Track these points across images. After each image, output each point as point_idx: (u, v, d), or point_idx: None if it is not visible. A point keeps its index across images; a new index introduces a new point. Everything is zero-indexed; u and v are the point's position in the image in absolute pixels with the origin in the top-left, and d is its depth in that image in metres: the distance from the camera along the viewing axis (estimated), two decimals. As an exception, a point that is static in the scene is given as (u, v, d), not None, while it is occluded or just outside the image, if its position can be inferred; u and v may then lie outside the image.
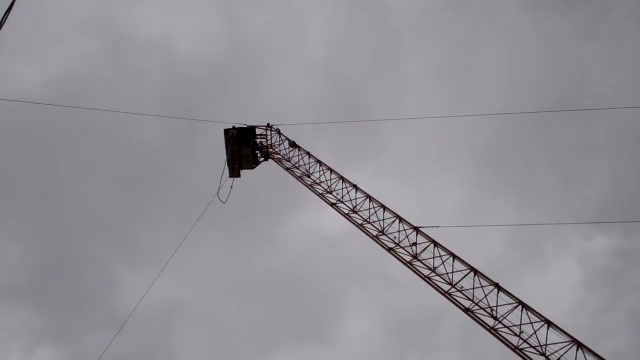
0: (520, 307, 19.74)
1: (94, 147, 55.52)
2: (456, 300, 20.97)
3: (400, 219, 23.80)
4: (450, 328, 52.54)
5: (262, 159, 30.79)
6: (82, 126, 53.47)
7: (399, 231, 23.60)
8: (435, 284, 21.64)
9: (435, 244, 22.49)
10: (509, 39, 59.72)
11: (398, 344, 54.16)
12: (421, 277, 22.03)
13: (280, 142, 29.93)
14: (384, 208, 24.47)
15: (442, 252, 22.20)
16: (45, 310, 54.57)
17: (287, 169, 28.55)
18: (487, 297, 20.49)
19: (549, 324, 19.04)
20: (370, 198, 25.08)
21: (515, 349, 19.06)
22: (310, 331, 56.75)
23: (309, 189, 27.04)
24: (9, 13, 7.47)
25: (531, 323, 19.35)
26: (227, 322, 55.68)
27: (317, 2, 65.21)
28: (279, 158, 29.34)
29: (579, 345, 18.22)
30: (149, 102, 53.09)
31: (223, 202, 29.09)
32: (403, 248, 23.08)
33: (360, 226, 24.62)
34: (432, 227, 23.06)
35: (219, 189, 28.69)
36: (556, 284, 49.73)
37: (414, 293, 52.00)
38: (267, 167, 31.85)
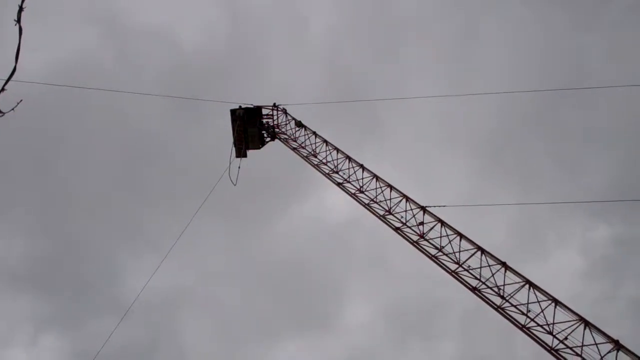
0: (527, 286, 19.71)
1: (98, 135, 55.48)
2: (463, 280, 20.94)
3: (407, 199, 23.71)
4: (450, 317, 52.90)
5: (268, 139, 30.69)
6: (85, 113, 53.57)
7: (405, 211, 23.53)
8: (442, 263, 21.58)
9: (443, 223, 22.41)
10: (509, 29, 59.51)
11: (398, 333, 54.48)
12: (428, 256, 21.98)
13: (287, 122, 29.80)
14: (391, 188, 24.37)
15: (449, 232, 22.12)
16: (51, 298, 54.88)
17: (294, 149, 28.43)
18: (495, 276, 20.47)
19: (556, 302, 19.00)
20: (377, 178, 24.96)
21: (523, 328, 19.04)
22: (312, 319, 57.05)
23: (316, 168, 26.95)
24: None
25: (538, 302, 19.33)
26: (231, 309, 55.98)
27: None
28: (286, 138, 29.21)
29: (587, 323, 18.19)
30: (153, 90, 52.95)
31: (234, 184, 28.90)
32: (410, 227, 23.02)
33: (367, 206, 24.53)
34: (439, 206, 22.98)
35: (229, 167, 28.60)
36: (557, 272, 49.82)
37: (414, 283, 52.41)
38: (272, 150, 31.81)
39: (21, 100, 8.11)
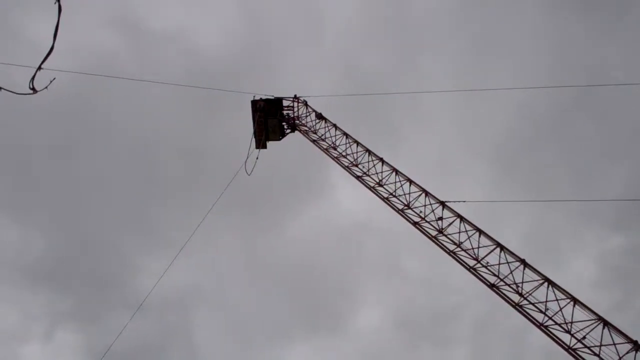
0: (546, 284, 19.60)
1: (115, 132, 55.73)
2: (481, 276, 20.87)
3: (427, 193, 23.65)
4: (462, 323, 52.76)
5: (288, 130, 30.79)
6: (103, 112, 53.97)
7: (424, 205, 23.49)
8: (461, 259, 21.53)
9: (462, 219, 22.34)
10: (525, 38, 58.65)
11: (410, 337, 54.46)
12: (446, 252, 21.93)
13: (307, 114, 29.85)
14: (410, 182, 24.34)
15: (468, 227, 22.06)
16: (68, 293, 55.59)
17: (314, 141, 28.46)
18: (513, 273, 20.37)
19: (575, 301, 18.88)
20: (397, 172, 24.93)
21: (541, 326, 18.96)
22: (324, 321, 57.22)
23: (335, 161, 26.96)
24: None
25: (557, 300, 19.23)
26: (243, 309, 56.28)
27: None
28: (306, 130, 29.25)
29: (605, 323, 18.05)
30: (171, 90, 53.07)
31: (248, 174, 29.12)
32: (429, 222, 22.98)
33: (385, 200, 24.52)
34: (459, 201, 22.91)
35: (247, 158, 28.76)
36: (571, 280, 49.19)
37: (427, 287, 52.32)
38: (289, 145, 31.90)
39: (54, 79, 8.15)
